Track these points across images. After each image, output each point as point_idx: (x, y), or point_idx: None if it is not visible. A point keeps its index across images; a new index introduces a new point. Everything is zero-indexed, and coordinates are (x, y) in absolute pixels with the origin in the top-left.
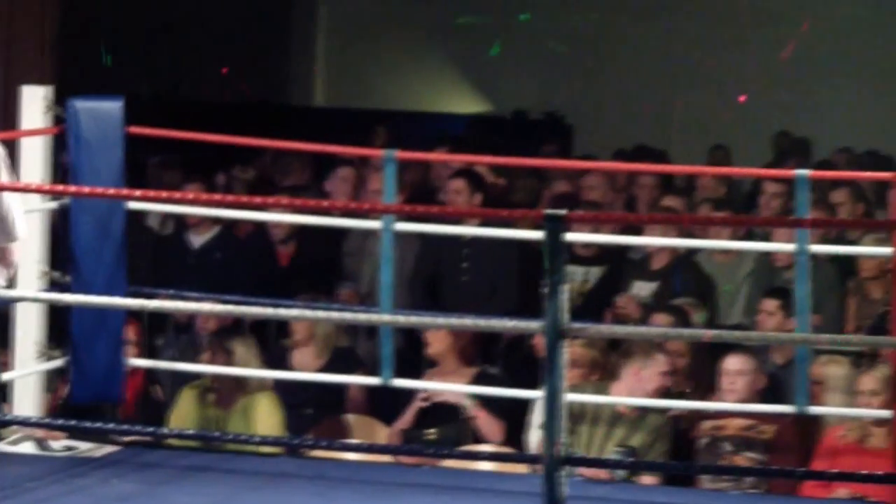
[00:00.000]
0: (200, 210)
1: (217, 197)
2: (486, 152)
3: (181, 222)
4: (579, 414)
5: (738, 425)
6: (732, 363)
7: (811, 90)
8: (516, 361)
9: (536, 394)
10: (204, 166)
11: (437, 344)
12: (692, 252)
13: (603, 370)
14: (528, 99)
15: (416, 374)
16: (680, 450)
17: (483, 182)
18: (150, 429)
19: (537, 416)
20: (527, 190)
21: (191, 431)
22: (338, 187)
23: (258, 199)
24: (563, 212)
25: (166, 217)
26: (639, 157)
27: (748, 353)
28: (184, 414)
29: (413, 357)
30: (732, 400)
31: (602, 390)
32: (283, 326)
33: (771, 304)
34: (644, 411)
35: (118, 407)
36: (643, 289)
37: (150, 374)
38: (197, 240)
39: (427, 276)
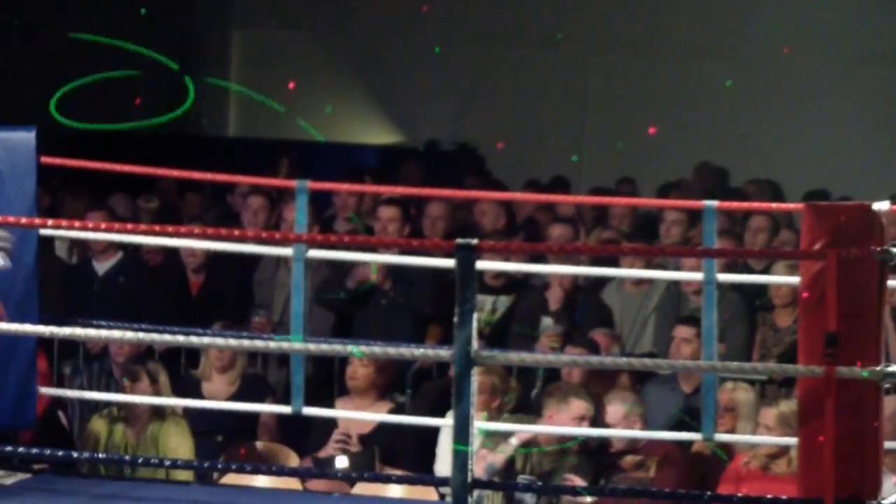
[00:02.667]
0: (108, 236)
1: (129, 226)
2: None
3: (86, 250)
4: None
5: (628, 462)
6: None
7: (721, 123)
8: (427, 389)
9: (447, 421)
10: (111, 194)
11: (361, 371)
12: (597, 285)
13: (503, 397)
14: (441, 130)
15: (327, 402)
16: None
17: (409, 211)
18: (67, 454)
19: (445, 443)
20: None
21: (104, 456)
22: (249, 217)
23: (170, 228)
24: (473, 241)
25: (73, 245)
26: (552, 188)
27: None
28: (93, 442)
29: (325, 385)
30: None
31: (503, 417)
32: (193, 354)
33: (686, 332)
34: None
35: (23, 435)
36: (548, 323)
37: (56, 402)
38: (101, 266)
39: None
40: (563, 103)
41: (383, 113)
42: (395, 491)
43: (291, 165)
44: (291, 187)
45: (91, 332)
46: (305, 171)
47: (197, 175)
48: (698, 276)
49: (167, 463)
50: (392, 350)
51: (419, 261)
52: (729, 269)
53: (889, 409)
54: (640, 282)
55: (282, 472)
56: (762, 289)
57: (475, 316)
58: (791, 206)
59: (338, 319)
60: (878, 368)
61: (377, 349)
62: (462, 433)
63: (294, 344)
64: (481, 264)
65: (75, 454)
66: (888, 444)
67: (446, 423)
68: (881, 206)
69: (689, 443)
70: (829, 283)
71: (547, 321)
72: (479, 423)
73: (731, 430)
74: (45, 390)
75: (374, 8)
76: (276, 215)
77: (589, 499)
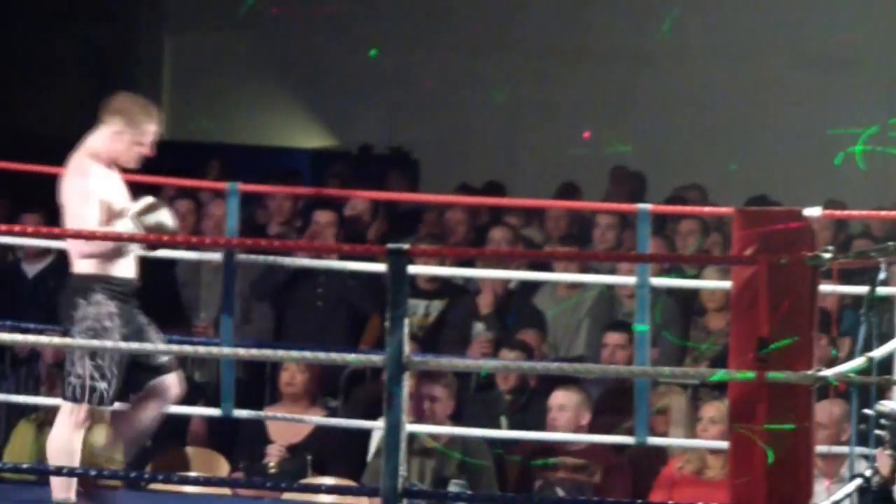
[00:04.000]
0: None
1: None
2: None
3: (17, 252)
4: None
5: (571, 465)
6: (557, 397)
7: (651, 125)
8: (359, 394)
9: (378, 426)
10: (43, 198)
11: (300, 378)
12: (529, 289)
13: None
14: (375, 134)
15: (259, 407)
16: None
17: (342, 215)
18: None
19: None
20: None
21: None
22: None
23: (98, 232)
24: (405, 246)
25: (5, 249)
26: (487, 192)
27: (574, 388)
28: (20, 447)
29: (256, 388)
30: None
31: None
32: None
33: (617, 338)
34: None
35: None
36: (479, 328)
37: None
38: (31, 269)
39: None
40: (498, 107)
41: (316, 116)
42: (325, 498)
43: (222, 168)
44: (223, 190)
45: (18, 338)
46: (236, 174)
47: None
48: (631, 280)
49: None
50: (323, 355)
51: (353, 265)
52: (663, 272)
53: (825, 415)
54: (572, 286)
55: (209, 482)
56: (695, 293)
57: (407, 321)
58: (723, 210)
59: (275, 320)
60: (809, 373)
61: (308, 354)
62: (393, 439)
63: (223, 349)
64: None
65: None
66: (820, 449)
67: (377, 425)
68: (812, 211)
69: (624, 447)
70: (760, 288)
71: (479, 326)
72: (411, 428)
73: (665, 434)
74: None
75: (307, 11)
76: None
77: None
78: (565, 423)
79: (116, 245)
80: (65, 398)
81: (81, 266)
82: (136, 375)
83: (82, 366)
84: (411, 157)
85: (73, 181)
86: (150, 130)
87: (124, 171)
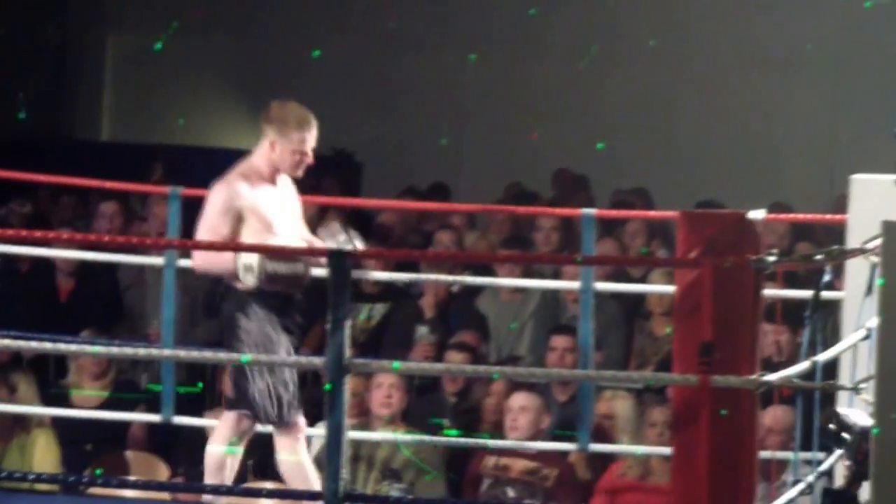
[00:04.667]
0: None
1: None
2: None
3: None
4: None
5: (523, 468)
6: (516, 400)
7: (596, 128)
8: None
9: (318, 431)
10: None
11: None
12: (472, 292)
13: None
14: (319, 135)
15: (200, 413)
16: (464, 486)
17: None
18: None
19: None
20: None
21: None
22: (101, 223)
23: (38, 233)
24: (346, 249)
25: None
26: (431, 194)
27: (534, 391)
28: (41, 456)
29: (197, 393)
30: (515, 437)
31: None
32: (62, 362)
33: (561, 341)
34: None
35: None
36: (423, 331)
37: None
38: None
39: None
40: (443, 108)
41: (257, 117)
42: (267, 503)
43: (165, 170)
44: (165, 193)
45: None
46: (179, 176)
47: (64, 180)
48: (575, 284)
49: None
50: (264, 358)
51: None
52: (609, 276)
53: (772, 420)
54: (515, 289)
55: (149, 486)
56: (640, 297)
57: (348, 324)
58: (667, 213)
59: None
60: (753, 377)
61: (248, 357)
62: (334, 442)
63: (164, 351)
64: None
65: None
66: (765, 454)
67: (318, 432)
68: (757, 214)
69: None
70: (704, 292)
71: (422, 329)
72: (352, 433)
73: (610, 440)
74: None
75: (249, 11)
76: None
77: None
78: (525, 427)
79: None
80: (229, 407)
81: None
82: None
83: (254, 381)
84: (354, 160)
85: (214, 193)
86: (303, 138)
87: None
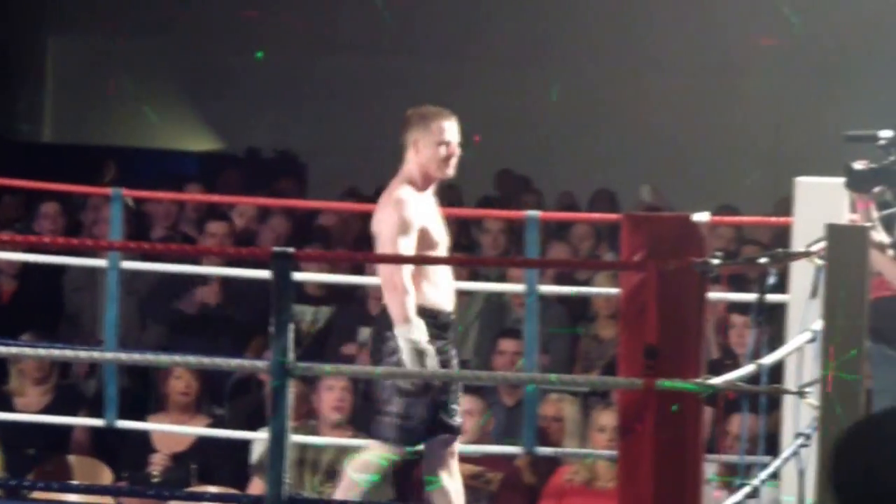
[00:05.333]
0: None
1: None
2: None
3: None
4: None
5: (467, 472)
6: (463, 403)
7: (536, 129)
8: (245, 402)
9: (262, 435)
10: None
11: (192, 384)
12: None
13: (307, 411)
14: (262, 137)
15: (143, 417)
16: (408, 488)
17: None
18: None
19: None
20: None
21: None
22: (43, 223)
23: None
24: (290, 250)
25: None
26: (377, 197)
27: (478, 394)
28: None
29: (141, 397)
30: (460, 441)
31: (310, 431)
32: (2, 366)
33: (507, 344)
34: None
35: None
36: (367, 334)
37: None
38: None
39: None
40: (386, 111)
41: (203, 119)
42: None
43: (118, 171)
44: (108, 194)
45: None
46: (128, 178)
47: (5, 181)
48: (520, 287)
49: None
50: (207, 361)
51: (239, 272)
52: (556, 279)
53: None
54: (460, 291)
55: (91, 490)
56: (586, 300)
57: (292, 326)
58: (612, 216)
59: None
60: (698, 380)
61: (192, 360)
62: (277, 446)
63: (105, 354)
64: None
65: None
66: (714, 458)
67: (261, 436)
68: (701, 217)
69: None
70: (649, 295)
71: (366, 332)
72: (296, 437)
73: (556, 444)
74: None
75: (194, 12)
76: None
77: None
78: (470, 431)
79: (420, 275)
80: (376, 437)
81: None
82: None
83: (394, 404)
84: (299, 161)
85: (387, 212)
86: (444, 126)
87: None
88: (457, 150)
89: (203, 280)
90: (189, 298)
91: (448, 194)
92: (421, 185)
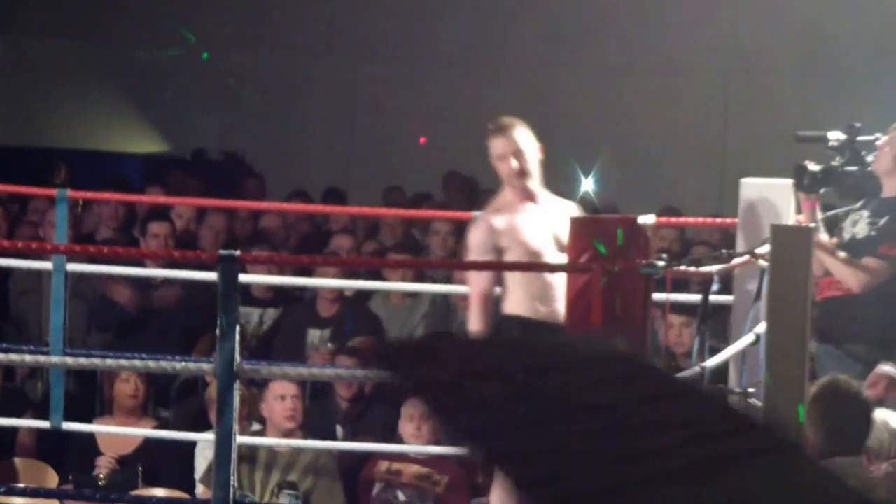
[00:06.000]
0: None
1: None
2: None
3: None
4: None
5: (414, 473)
6: (412, 410)
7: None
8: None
9: (209, 436)
10: None
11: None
12: (364, 296)
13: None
14: (209, 139)
15: (89, 419)
16: (356, 490)
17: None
18: None
19: (203, 460)
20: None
21: None
22: None
23: None
24: (235, 252)
25: None
26: (327, 198)
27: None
28: None
29: (87, 400)
30: (414, 444)
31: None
32: None
33: None
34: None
35: None
36: (316, 336)
37: None
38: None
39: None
40: (333, 112)
41: (149, 120)
42: None
43: (69, 172)
44: (52, 196)
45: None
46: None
47: None
48: (465, 288)
49: None
50: (153, 364)
51: (184, 274)
52: None
53: None
54: (407, 293)
55: (37, 493)
56: None
57: (238, 328)
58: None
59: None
60: None
61: (138, 363)
62: (224, 449)
63: (51, 357)
64: (246, 277)
65: None
66: None
67: (208, 437)
68: (646, 219)
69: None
70: (594, 297)
71: (314, 333)
72: (242, 439)
73: None
74: None
75: (139, 13)
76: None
77: None
78: (417, 433)
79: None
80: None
81: (505, 306)
82: None
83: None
84: (246, 163)
85: (470, 234)
86: (492, 144)
87: None
88: (516, 163)
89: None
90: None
91: (392, 196)
92: (513, 198)
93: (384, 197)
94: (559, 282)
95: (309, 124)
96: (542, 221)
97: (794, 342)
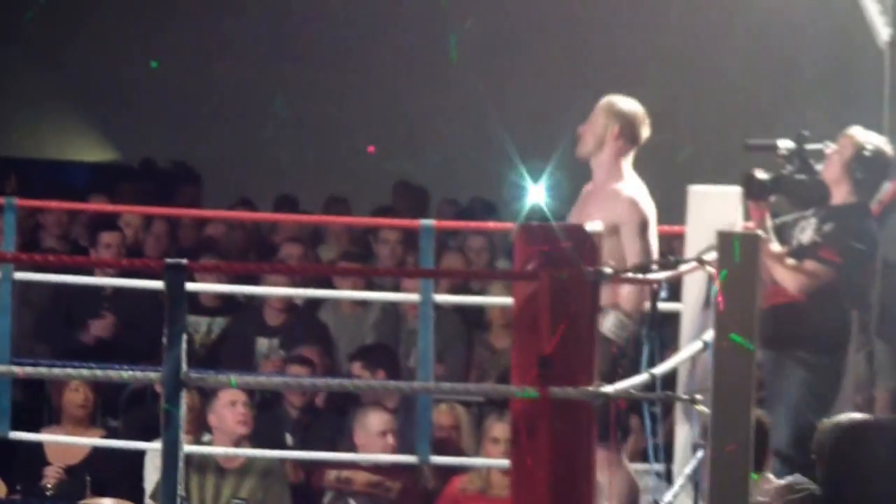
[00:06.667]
0: None
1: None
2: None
3: None
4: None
5: (365, 480)
6: (377, 421)
7: (429, 142)
8: (139, 414)
9: (157, 446)
10: None
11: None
12: (313, 305)
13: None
14: (157, 147)
15: (37, 429)
16: (305, 499)
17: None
18: None
19: (152, 469)
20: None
21: None
22: None
23: None
24: (182, 261)
25: None
26: (279, 206)
27: (386, 410)
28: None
29: (34, 409)
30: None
31: (200, 441)
32: None
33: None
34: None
35: None
36: (265, 345)
37: None
38: None
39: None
40: (281, 121)
41: (97, 129)
42: None
43: (20, 182)
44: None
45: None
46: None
47: None
48: (414, 297)
49: None
50: (100, 373)
51: (132, 283)
52: (451, 289)
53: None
54: (357, 302)
55: None
56: (480, 309)
57: (185, 337)
58: (506, 225)
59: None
60: (590, 389)
61: (85, 372)
62: (170, 459)
63: None
64: (194, 285)
65: None
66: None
67: (155, 447)
68: (594, 226)
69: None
70: (542, 304)
71: (263, 342)
72: (190, 448)
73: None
74: None
75: (87, 23)
76: None
77: None
78: (383, 447)
79: None
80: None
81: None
82: None
83: None
84: (194, 172)
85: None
86: None
87: None
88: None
89: (96, 312)
90: (84, 329)
91: (337, 207)
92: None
93: (325, 208)
94: None
95: (258, 133)
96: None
97: (742, 349)
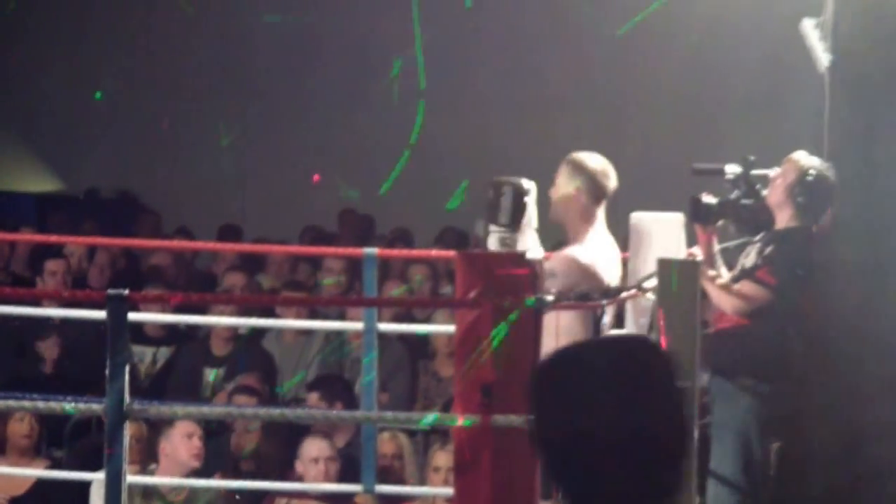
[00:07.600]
0: None
1: None
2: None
3: None
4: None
5: None
6: (313, 449)
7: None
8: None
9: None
10: None
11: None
12: (258, 334)
13: (145, 451)
14: (102, 177)
15: None
16: None
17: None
18: None
19: (98, 499)
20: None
21: None
22: None
23: None
24: (124, 291)
25: None
26: (223, 235)
27: (326, 438)
28: None
29: None
30: (310, 482)
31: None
32: None
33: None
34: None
35: None
36: (211, 374)
37: None
38: None
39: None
40: (226, 150)
41: (40, 159)
42: None
43: None
44: None
45: None
46: None
47: None
48: (358, 325)
49: None
50: (42, 404)
51: (75, 313)
52: (396, 317)
53: None
54: (300, 331)
55: None
56: (425, 338)
57: (128, 368)
58: (448, 253)
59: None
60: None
61: (27, 404)
62: (114, 490)
63: None
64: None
65: None
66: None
67: (99, 476)
68: (535, 253)
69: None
70: (484, 332)
71: (209, 372)
72: (134, 479)
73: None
74: None
75: (29, 51)
76: None
77: None
78: (317, 474)
79: None
80: None
81: None
82: None
83: None
84: (139, 201)
85: None
86: None
87: None
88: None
89: (42, 331)
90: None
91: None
92: None
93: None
94: None
95: (203, 163)
96: None
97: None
